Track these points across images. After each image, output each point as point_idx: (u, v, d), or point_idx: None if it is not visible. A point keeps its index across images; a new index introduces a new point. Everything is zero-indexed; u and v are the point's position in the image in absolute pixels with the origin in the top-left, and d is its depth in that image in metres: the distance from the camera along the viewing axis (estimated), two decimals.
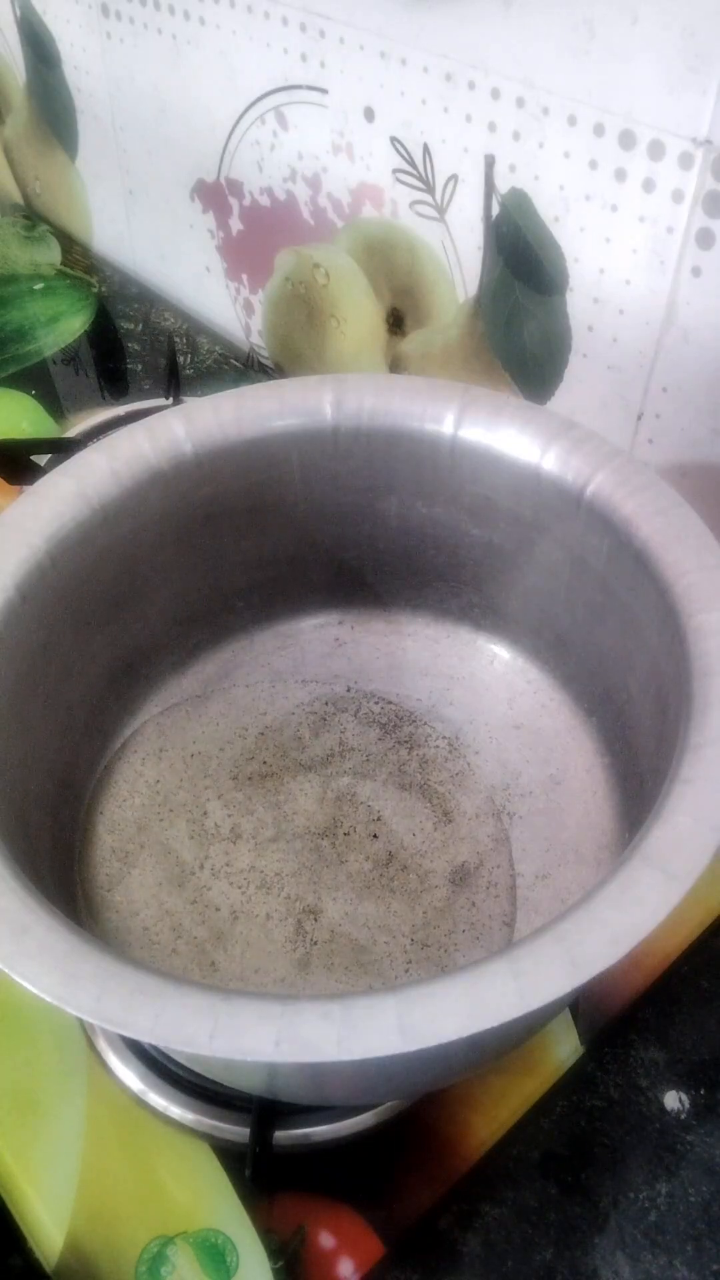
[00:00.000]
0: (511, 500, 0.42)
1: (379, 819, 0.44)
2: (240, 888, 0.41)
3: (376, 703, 0.48)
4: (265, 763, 0.45)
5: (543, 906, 0.41)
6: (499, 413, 0.41)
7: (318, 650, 0.49)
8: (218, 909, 0.40)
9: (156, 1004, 0.26)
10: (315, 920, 0.40)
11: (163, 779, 0.44)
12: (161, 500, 0.41)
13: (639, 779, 0.41)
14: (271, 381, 0.42)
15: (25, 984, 0.26)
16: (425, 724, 0.47)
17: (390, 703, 0.48)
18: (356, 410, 0.42)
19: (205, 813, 0.43)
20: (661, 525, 0.37)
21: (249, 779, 0.45)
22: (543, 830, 0.43)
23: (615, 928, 0.27)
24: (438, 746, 0.46)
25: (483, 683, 0.48)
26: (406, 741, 0.47)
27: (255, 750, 0.46)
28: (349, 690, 0.48)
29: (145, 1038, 0.25)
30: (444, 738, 0.47)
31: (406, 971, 0.39)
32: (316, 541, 0.47)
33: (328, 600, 0.50)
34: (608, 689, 0.44)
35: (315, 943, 0.40)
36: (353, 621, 0.50)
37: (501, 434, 0.41)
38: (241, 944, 0.40)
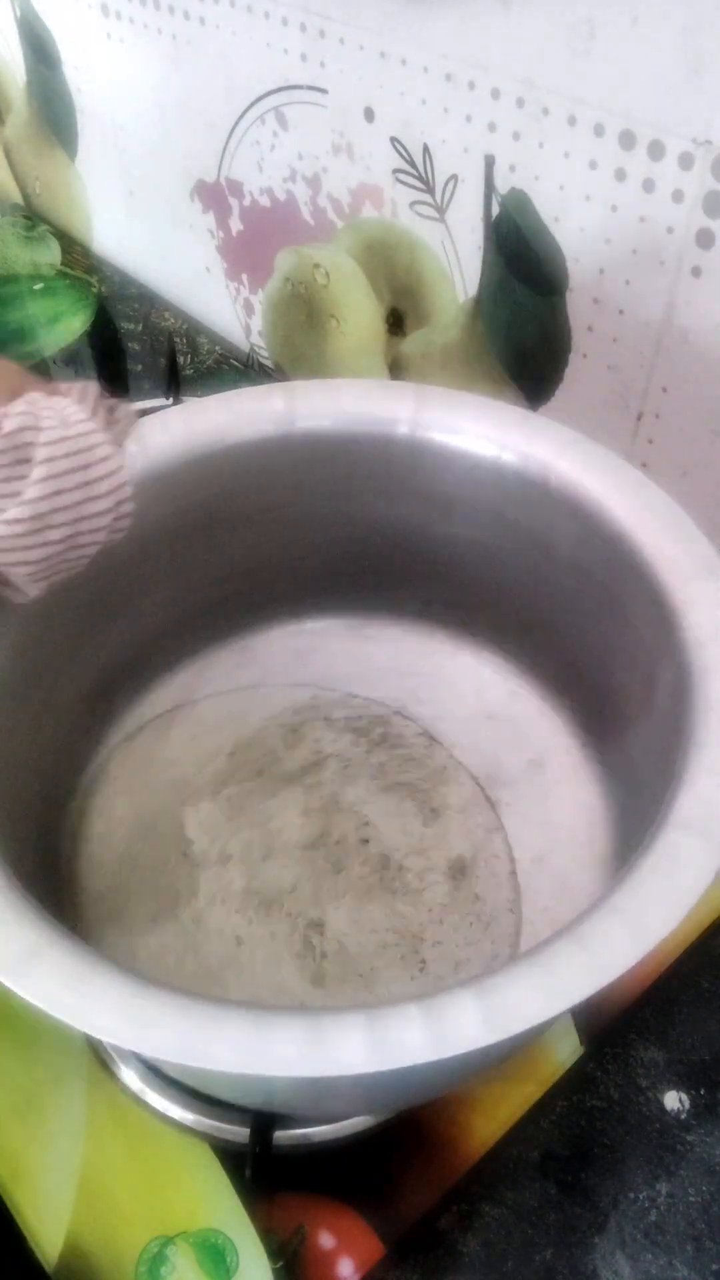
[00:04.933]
0: (472, 493, 0.42)
1: (368, 823, 0.44)
2: (240, 911, 0.40)
3: (348, 707, 0.47)
4: (244, 781, 0.45)
5: (544, 889, 0.42)
6: (454, 408, 0.41)
7: (281, 661, 0.49)
8: (220, 934, 0.40)
9: (185, 1021, 0.25)
10: (321, 933, 0.40)
11: (142, 811, 0.43)
12: None
13: (624, 752, 0.41)
14: (222, 394, 0.42)
15: (47, 1008, 0.26)
16: (399, 723, 0.47)
17: (361, 706, 0.48)
18: (310, 416, 0.42)
19: (191, 840, 0.42)
20: (632, 504, 0.38)
21: (229, 799, 0.44)
22: (532, 814, 0.44)
23: (633, 924, 0.27)
24: (415, 744, 0.46)
25: (450, 677, 0.48)
26: (383, 742, 0.46)
27: (232, 769, 0.45)
28: (315, 698, 0.48)
29: (174, 1058, 0.25)
30: (420, 734, 0.46)
31: (421, 971, 0.39)
32: (274, 552, 0.46)
33: (287, 610, 0.49)
34: (580, 669, 0.44)
35: (325, 955, 0.39)
36: (314, 629, 0.50)
37: (458, 428, 0.41)
38: (251, 968, 0.39)
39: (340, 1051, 0.25)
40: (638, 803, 0.39)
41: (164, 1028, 0.25)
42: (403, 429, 0.41)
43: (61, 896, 0.40)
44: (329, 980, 0.39)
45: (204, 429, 0.41)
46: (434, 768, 0.45)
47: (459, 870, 0.42)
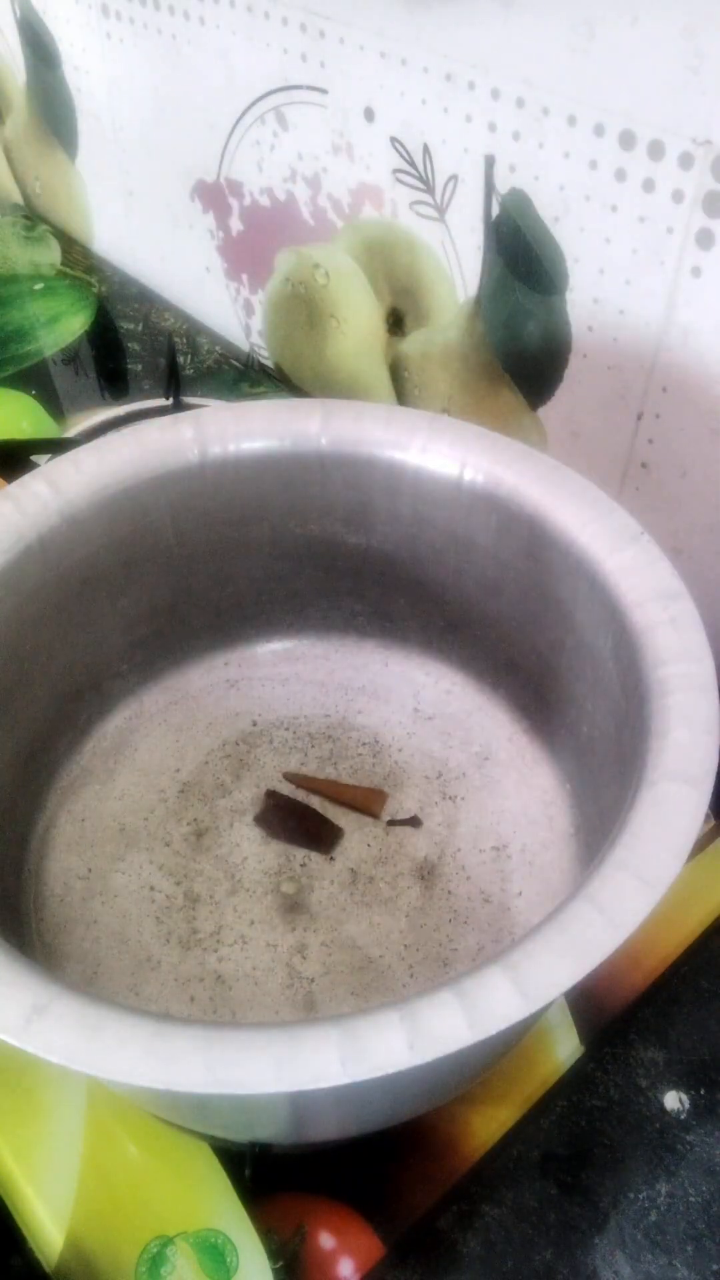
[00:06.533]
0: (387, 500, 0.43)
1: None
2: (214, 951, 0.40)
3: (288, 729, 0.47)
4: (196, 819, 0.44)
5: (514, 874, 0.42)
6: (360, 418, 0.42)
7: (212, 694, 0.49)
8: (200, 980, 0.39)
9: (209, 1052, 0.25)
10: (304, 958, 0.40)
11: (95, 866, 0.42)
12: (38, 571, 0.39)
13: (570, 728, 0.42)
14: (130, 427, 0.42)
15: (64, 1062, 0.25)
16: (342, 737, 0.47)
17: (302, 726, 0.47)
18: (220, 441, 0.42)
19: (152, 887, 0.42)
20: (546, 488, 0.39)
21: (184, 840, 0.43)
22: (488, 805, 0.44)
23: (639, 876, 0.28)
24: (361, 754, 0.46)
25: (384, 686, 0.49)
26: (329, 759, 0.46)
27: (181, 810, 0.44)
28: (255, 725, 0.48)
29: (201, 1090, 0.25)
30: (364, 744, 0.47)
31: (411, 977, 0.39)
32: (193, 586, 0.46)
33: (211, 642, 0.49)
34: (512, 657, 0.45)
35: (313, 980, 0.39)
36: (240, 658, 0.50)
37: (367, 437, 0.42)
38: (238, 1005, 0.39)
39: (381, 1052, 0.25)
40: (592, 774, 0.40)
41: (188, 1061, 0.25)
42: (311, 445, 0.42)
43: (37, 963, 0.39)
44: (321, 1004, 0.39)
45: (116, 464, 0.41)
46: (384, 775, 0.46)
47: (427, 871, 0.42)
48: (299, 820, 0.44)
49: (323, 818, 0.44)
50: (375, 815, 0.44)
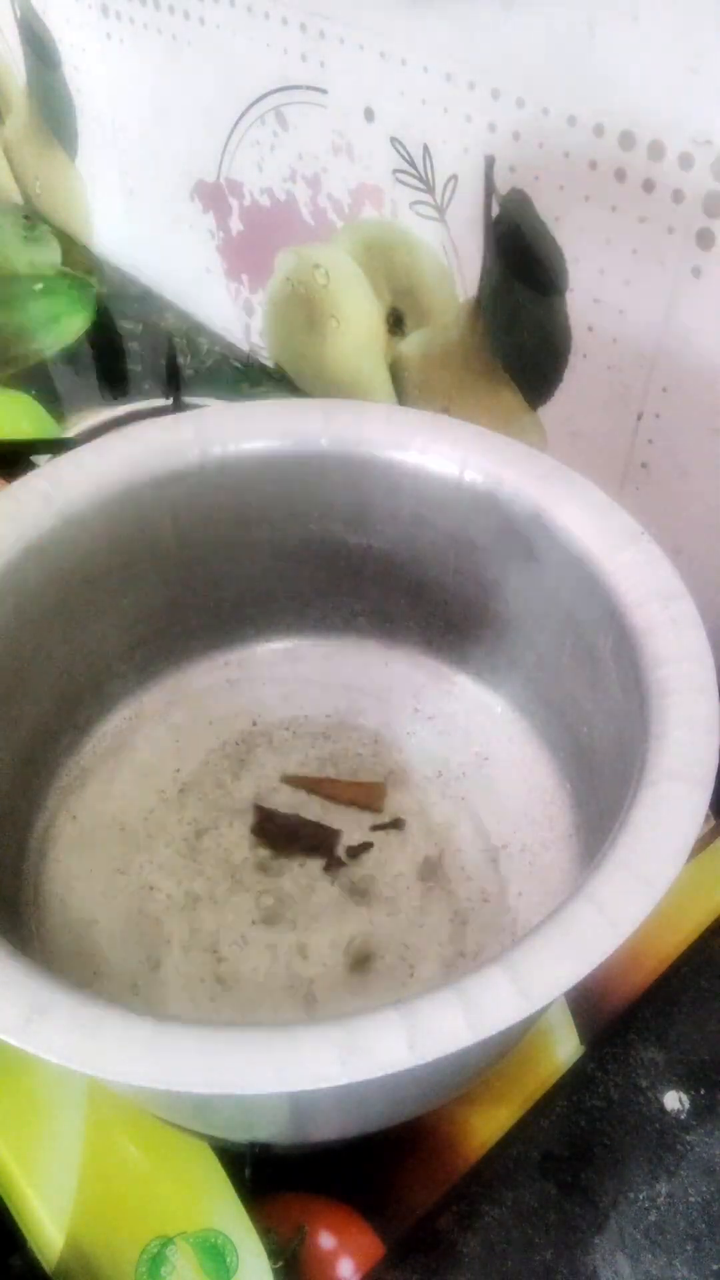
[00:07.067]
0: (387, 500, 0.43)
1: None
2: (215, 951, 0.40)
3: (287, 729, 0.47)
4: (196, 819, 0.44)
5: (515, 874, 0.42)
6: (360, 418, 0.42)
7: (212, 694, 0.48)
8: (201, 980, 0.39)
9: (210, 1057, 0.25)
10: (305, 958, 0.40)
11: (95, 867, 0.42)
12: (38, 571, 0.39)
13: (567, 730, 0.42)
14: (129, 426, 0.42)
15: (65, 1062, 0.25)
16: (342, 737, 0.47)
17: (302, 725, 0.47)
18: (220, 441, 0.42)
19: (152, 888, 0.42)
20: (546, 487, 0.39)
21: (185, 840, 0.43)
22: (489, 805, 0.44)
23: (609, 913, 0.27)
24: (361, 754, 0.46)
25: (384, 686, 0.49)
26: (330, 758, 0.46)
27: (181, 809, 0.44)
28: (255, 724, 0.47)
29: (201, 1089, 0.25)
30: (365, 744, 0.47)
31: (411, 977, 0.39)
32: (193, 585, 0.46)
33: (211, 642, 0.49)
34: (511, 657, 0.45)
35: (313, 980, 0.39)
36: (240, 658, 0.49)
37: (367, 437, 0.42)
38: (240, 1004, 0.38)
39: (381, 1052, 0.25)
40: (592, 774, 0.40)
41: (188, 1061, 0.25)
42: (312, 446, 0.42)
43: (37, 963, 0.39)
44: (321, 1004, 0.39)
45: (118, 463, 0.41)
46: (384, 775, 0.46)
47: (428, 871, 0.42)
48: (291, 833, 0.44)
49: (314, 825, 0.44)
50: (377, 810, 0.44)
